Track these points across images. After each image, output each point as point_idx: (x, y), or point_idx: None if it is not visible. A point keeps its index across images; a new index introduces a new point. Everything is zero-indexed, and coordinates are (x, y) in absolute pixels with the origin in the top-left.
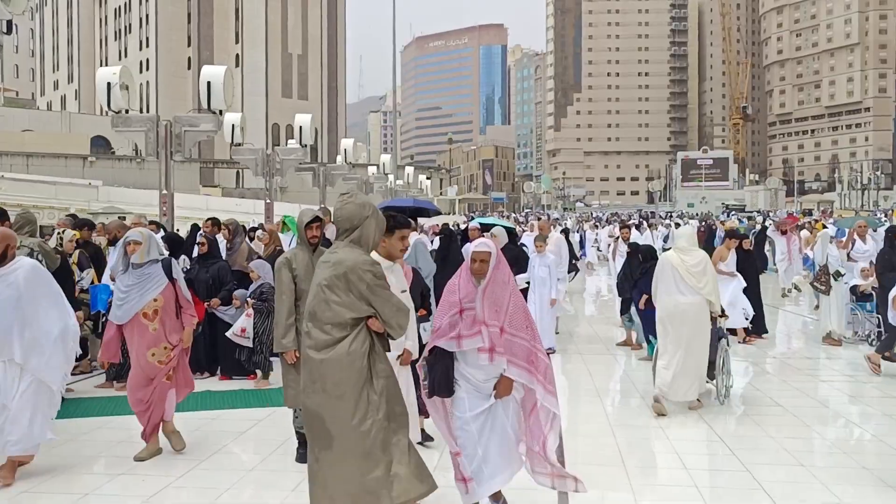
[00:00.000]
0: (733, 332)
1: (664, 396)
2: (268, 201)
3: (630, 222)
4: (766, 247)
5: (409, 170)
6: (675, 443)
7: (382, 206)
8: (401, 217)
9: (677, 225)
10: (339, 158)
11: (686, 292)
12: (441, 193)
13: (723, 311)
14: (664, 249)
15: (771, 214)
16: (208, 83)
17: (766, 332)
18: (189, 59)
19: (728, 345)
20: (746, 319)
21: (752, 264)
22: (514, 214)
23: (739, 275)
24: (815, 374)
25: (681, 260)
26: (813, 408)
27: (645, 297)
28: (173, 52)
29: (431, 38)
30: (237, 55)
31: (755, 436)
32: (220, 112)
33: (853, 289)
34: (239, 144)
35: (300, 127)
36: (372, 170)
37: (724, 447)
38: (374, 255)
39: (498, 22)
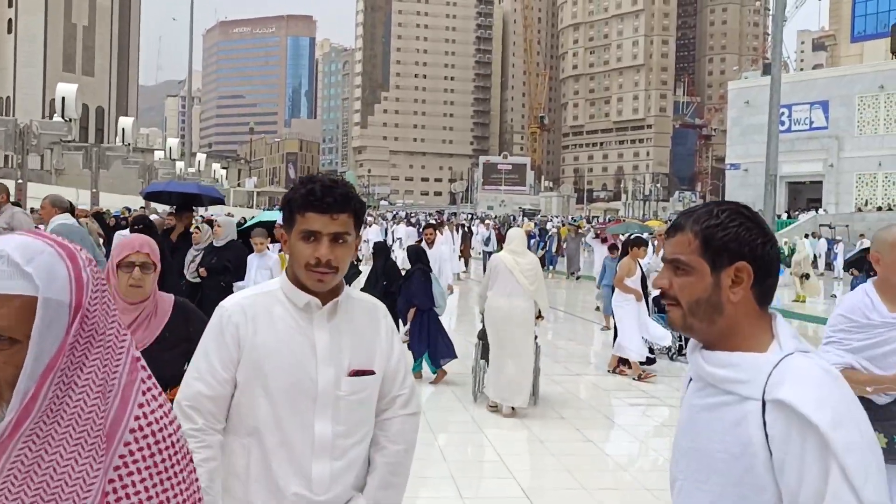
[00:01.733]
0: (627, 363)
1: (502, 401)
2: (20, 181)
3: (433, 221)
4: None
5: (201, 157)
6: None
7: (150, 190)
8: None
9: (492, 225)
10: (120, 140)
11: (519, 294)
12: (239, 185)
13: (539, 313)
14: (487, 253)
15: (554, 220)
16: (63, 98)
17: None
18: None
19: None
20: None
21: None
22: None
23: (643, 296)
24: (619, 391)
25: (515, 261)
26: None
27: (413, 308)
28: None
29: (237, 23)
30: (10, 20)
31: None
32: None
33: (655, 300)
34: None
35: (62, 98)
36: (159, 154)
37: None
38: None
39: (307, 13)
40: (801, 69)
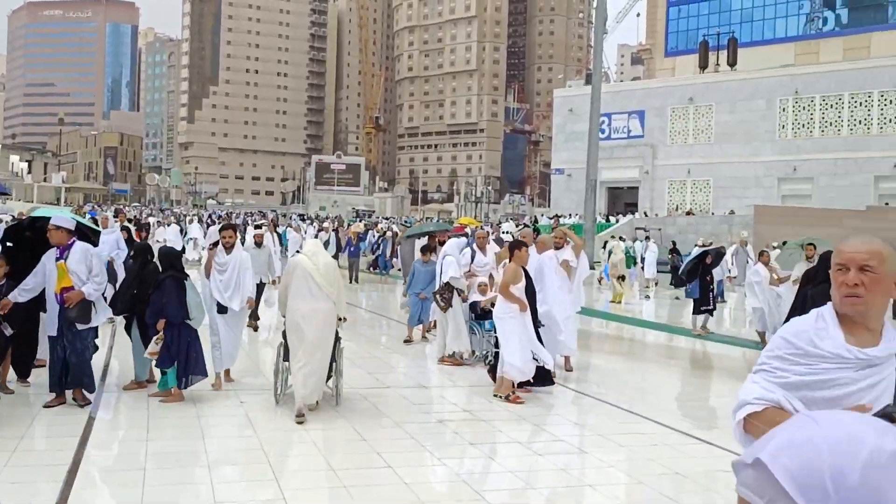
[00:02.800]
0: (522, 385)
1: (303, 400)
2: None
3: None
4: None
5: None
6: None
7: None
8: None
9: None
10: None
11: (319, 297)
12: (45, 180)
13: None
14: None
15: (383, 221)
16: None
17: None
18: None
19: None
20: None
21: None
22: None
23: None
24: (429, 404)
25: (313, 264)
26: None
27: (162, 320)
28: None
29: (47, 5)
30: None
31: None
32: None
33: (472, 306)
34: None
35: None
36: None
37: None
38: None
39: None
40: (622, 80)
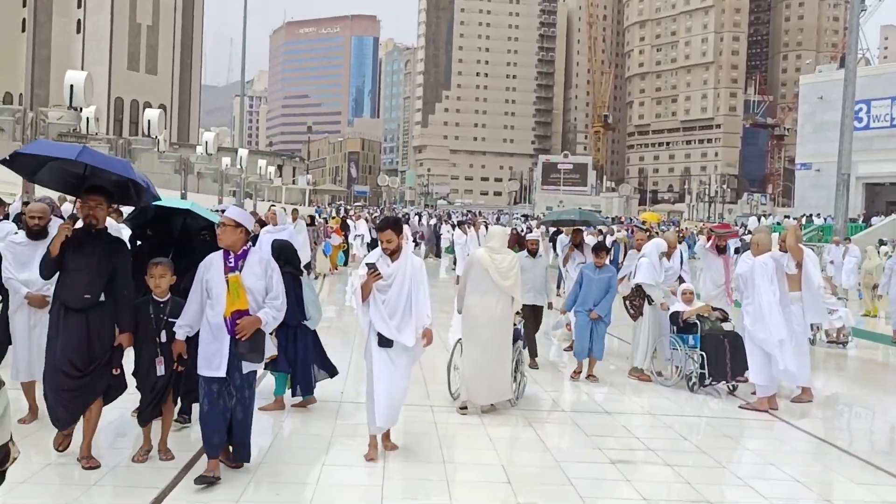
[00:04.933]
0: None
1: (469, 400)
2: None
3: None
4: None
5: (243, 152)
6: None
7: (24, 151)
8: None
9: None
10: (195, 140)
11: (495, 293)
12: (294, 182)
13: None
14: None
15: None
16: (71, 86)
17: None
18: (24, 20)
19: (524, 347)
20: None
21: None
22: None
23: None
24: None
25: (491, 259)
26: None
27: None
28: (4, 11)
29: (302, 24)
30: (79, 20)
31: None
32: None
33: (674, 316)
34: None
35: (70, 86)
36: (200, 150)
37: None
38: None
39: (371, 13)
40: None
